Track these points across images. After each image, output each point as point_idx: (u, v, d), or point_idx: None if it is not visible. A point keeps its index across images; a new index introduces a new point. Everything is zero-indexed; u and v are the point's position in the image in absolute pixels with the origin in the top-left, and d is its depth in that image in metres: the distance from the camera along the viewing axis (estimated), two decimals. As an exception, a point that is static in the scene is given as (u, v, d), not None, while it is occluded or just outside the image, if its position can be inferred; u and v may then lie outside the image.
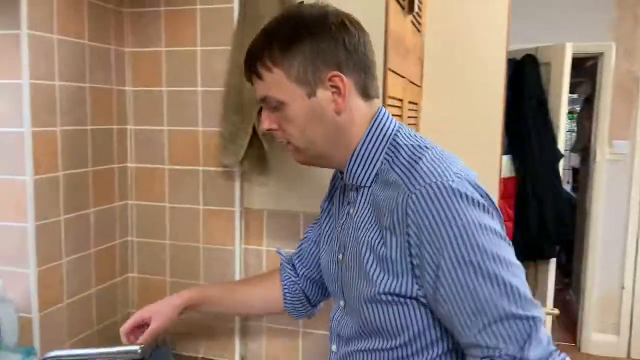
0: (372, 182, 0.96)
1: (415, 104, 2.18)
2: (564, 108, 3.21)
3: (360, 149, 0.97)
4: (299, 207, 1.50)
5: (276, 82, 0.93)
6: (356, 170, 0.98)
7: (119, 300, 1.60)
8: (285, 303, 1.26)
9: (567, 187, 5.61)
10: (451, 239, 0.82)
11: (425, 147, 0.94)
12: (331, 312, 1.10)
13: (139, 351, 1.10)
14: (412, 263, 0.87)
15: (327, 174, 1.23)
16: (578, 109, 4.84)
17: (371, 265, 0.91)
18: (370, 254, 0.92)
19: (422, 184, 0.86)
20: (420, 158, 0.90)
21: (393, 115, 1.51)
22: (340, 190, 1.11)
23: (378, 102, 1.01)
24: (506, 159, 3.19)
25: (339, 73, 0.92)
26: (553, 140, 3.21)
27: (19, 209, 1.27)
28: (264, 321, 1.55)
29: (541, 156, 3.20)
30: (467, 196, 0.84)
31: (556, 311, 2.03)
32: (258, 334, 1.56)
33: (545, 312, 2.03)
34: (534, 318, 0.81)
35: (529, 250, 3.20)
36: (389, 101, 1.48)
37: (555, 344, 0.83)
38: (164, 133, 1.56)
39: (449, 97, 2.44)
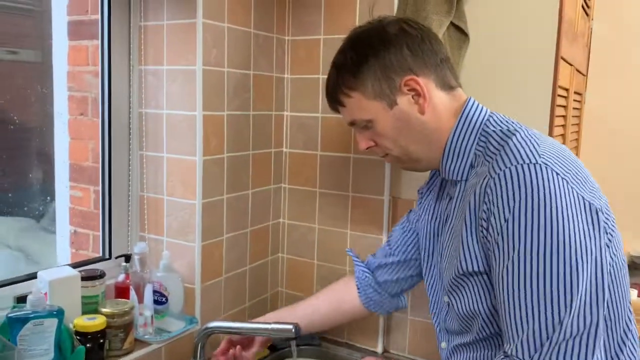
0: (467, 174, 0.96)
1: (579, 94, 2.00)
2: None
3: (451, 143, 0.97)
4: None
5: (357, 104, 0.99)
6: (450, 165, 0.98)
7: (269, 278, 1.68)
8: (359, 294, 1.28)
9: None
10: (528, 222, 0.78)
11: (515, 129, 0.90)
12: (430, 309, 1.11)
13: (293, 330, 1.14)
14: (486, 246, 0.86)
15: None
16: None
17: (463, 253, 0.90)
18: (459, 243, 0.91)
19: (505, 167, 0.82)
20: (507, 142, 0.87)
21: (558, 106, 1.40)
22: (440, 184, 1.10)
23: (461, 91, 1.02)
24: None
25: (412, 76, 0.95)
26: None
27: (189, 187, 1.37)
28: (408, 314, 1.53)
29: None
30: (556, 174, 0.79)
31: None
32: (402, 325, 1.55)
33: None
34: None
35: None
36: (559, 91, 1.37)
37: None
38: (318, 120, 1.59)
39: (616, 89, 2.22)
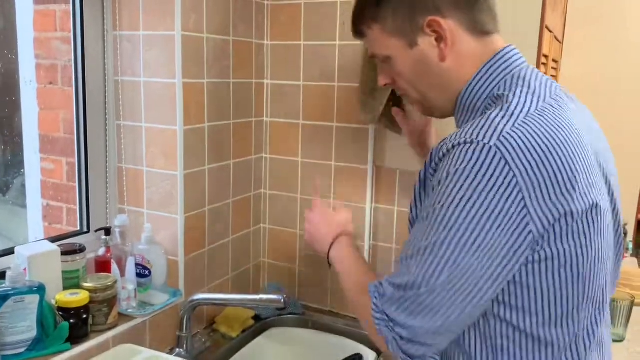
0: None
1: (556, 61, 2.02)
2: None
3: (463, 95, 0.86)
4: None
5: (377, 37, 0.90)
6: (460, 120, 0.88)
7: (252, 249, 1.66)
8: None
9: None
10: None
11: (519, 94, 0.78)
12: None
13: (282, 300, 1.13)
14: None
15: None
16: None
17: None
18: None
19: (454, 144, 0.74)
20: (493, 106, 0.78)
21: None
22: None
23: (498, 38, 0.88)
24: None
25: (437, 17, 0.83)
26: None
27: (170, 158, 1.33)
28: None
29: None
30: (505, 162, 0.69)
31: None
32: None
33: None
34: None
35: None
36: (543, 59, 1.37)
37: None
38: (300, 88, 1.56)
39: (591, 55, 2.24)
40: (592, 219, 0.74)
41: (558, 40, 1.99)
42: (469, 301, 0.73)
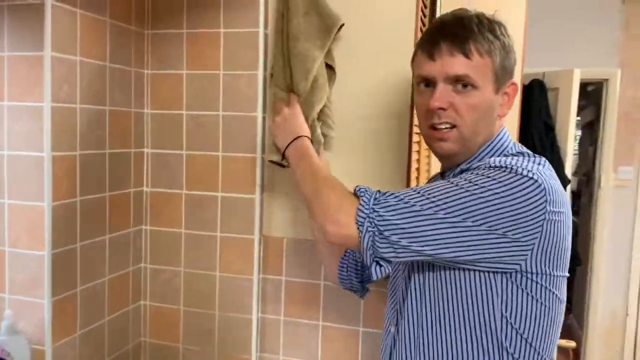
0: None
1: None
2: (572, 134, 3.20)
3: (496, 141, 1.01)
4: (321, 237, 1.46)
5: (480, 67, 0.95)
6: (473, 160, 1.00)
7: (130, 328, 1.55)
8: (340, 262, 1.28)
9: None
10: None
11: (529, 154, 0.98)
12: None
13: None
14: None
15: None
16: (580, 132, 4.84)
17: None
18: None
19: (498, 165, 0.90)
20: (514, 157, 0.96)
21: (415, 142, 1.48)
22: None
23: None
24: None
25: (515, 82, 1.00)
26: (560, 166, 3.19)
27: (36, 237, 1.22)
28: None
29: (549, 181, 3.18)
30: (542, 189, 0.87)
31: (572, 344, 1.99)
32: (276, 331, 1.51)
33: (560, 345, 1.99)
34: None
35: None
36: (415, 130, 1.45)
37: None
38: (183, 157, 1.52)
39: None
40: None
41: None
42: (451, 237, 0.87)
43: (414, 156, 1.46)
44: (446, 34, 0.96)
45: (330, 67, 1.40)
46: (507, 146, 1.01)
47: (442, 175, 1.10)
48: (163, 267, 1.56)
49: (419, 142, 1.67)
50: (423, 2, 1.41)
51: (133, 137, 1.50)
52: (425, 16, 1.49)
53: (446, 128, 0.97)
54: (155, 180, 1.55)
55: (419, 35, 1.40)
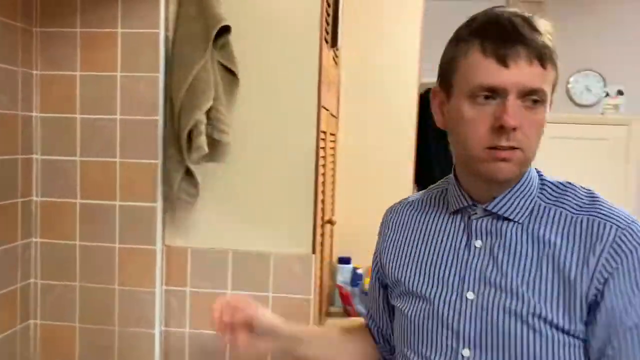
0: (525, 218, 0.89)
1: (333, 134, 2.19)
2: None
3: (524, 181, 0.90)
4: (228, 245, 1.43)
5: (551, 80, 0.84)
6: (513, 202, 0.88)
7: (18, 351, 1.42)
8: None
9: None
10: None
11: (568, 182, 0.93)
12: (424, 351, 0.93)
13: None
14: (588, 296, 0.83)
15: (254, 209, 1.29)
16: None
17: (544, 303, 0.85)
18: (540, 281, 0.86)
19: (628, 221, 0.85)
20: (575, 191, 0.90)
21: (321, 148, 1.51)
22: (445, 223, 0.97)
23: None
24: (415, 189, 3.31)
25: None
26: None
27: None
28: None
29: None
30: None
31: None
32: None
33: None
34: None
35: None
36: (322, 135, 1.47)
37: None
38: (76, 163, 1.43)
39: (363, 128, 2.49)
40: None
41: (334, 116, 2.17)
42: None
43: (320, 162, 1.48)
44: (521, 35, 0.80)
45: (231, 72, 1.38)
46: (532, 185, 0.92)
47: (456, 213, 0.95)
48: (56, 282, 1.45)
49: (324, 148, 1.70)
50: (327, 1, 1.44)
51: (20, 142, 1.39)
52: (329, 15, 1.52)
53: (510, 148, 0.82)
54: (46, 188, 1.44)
55: (324, 35, 1.43)
